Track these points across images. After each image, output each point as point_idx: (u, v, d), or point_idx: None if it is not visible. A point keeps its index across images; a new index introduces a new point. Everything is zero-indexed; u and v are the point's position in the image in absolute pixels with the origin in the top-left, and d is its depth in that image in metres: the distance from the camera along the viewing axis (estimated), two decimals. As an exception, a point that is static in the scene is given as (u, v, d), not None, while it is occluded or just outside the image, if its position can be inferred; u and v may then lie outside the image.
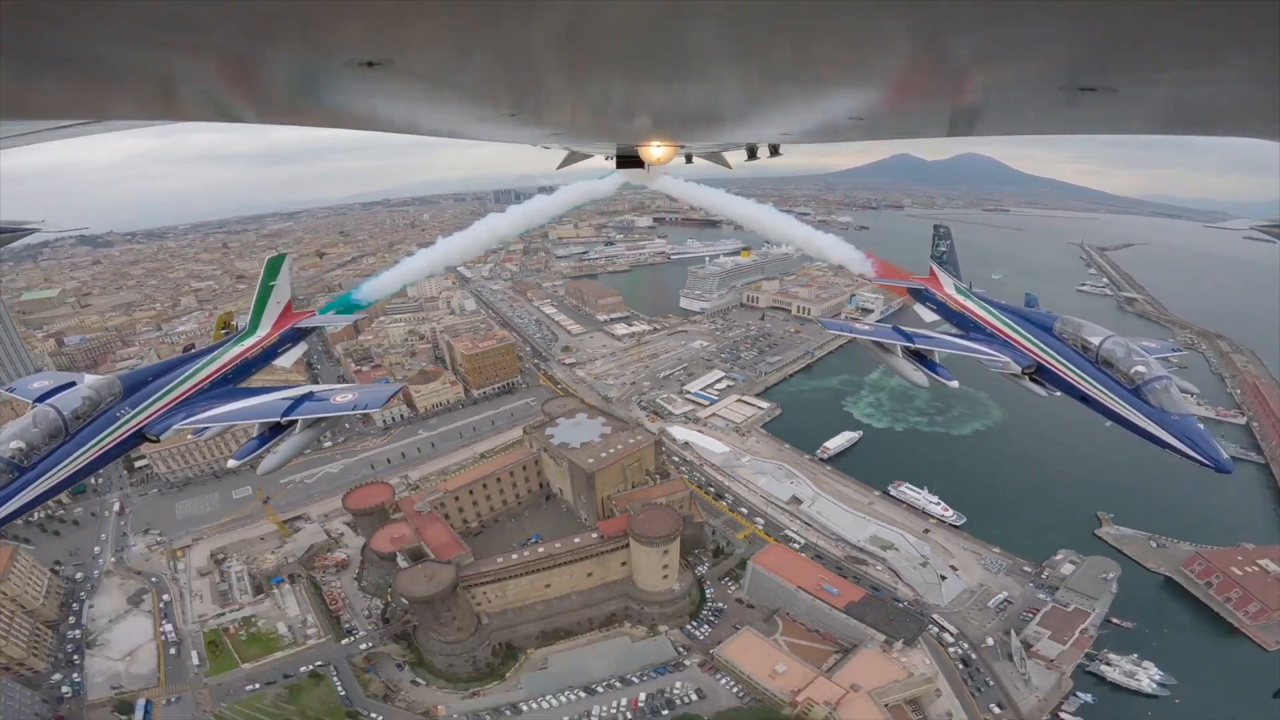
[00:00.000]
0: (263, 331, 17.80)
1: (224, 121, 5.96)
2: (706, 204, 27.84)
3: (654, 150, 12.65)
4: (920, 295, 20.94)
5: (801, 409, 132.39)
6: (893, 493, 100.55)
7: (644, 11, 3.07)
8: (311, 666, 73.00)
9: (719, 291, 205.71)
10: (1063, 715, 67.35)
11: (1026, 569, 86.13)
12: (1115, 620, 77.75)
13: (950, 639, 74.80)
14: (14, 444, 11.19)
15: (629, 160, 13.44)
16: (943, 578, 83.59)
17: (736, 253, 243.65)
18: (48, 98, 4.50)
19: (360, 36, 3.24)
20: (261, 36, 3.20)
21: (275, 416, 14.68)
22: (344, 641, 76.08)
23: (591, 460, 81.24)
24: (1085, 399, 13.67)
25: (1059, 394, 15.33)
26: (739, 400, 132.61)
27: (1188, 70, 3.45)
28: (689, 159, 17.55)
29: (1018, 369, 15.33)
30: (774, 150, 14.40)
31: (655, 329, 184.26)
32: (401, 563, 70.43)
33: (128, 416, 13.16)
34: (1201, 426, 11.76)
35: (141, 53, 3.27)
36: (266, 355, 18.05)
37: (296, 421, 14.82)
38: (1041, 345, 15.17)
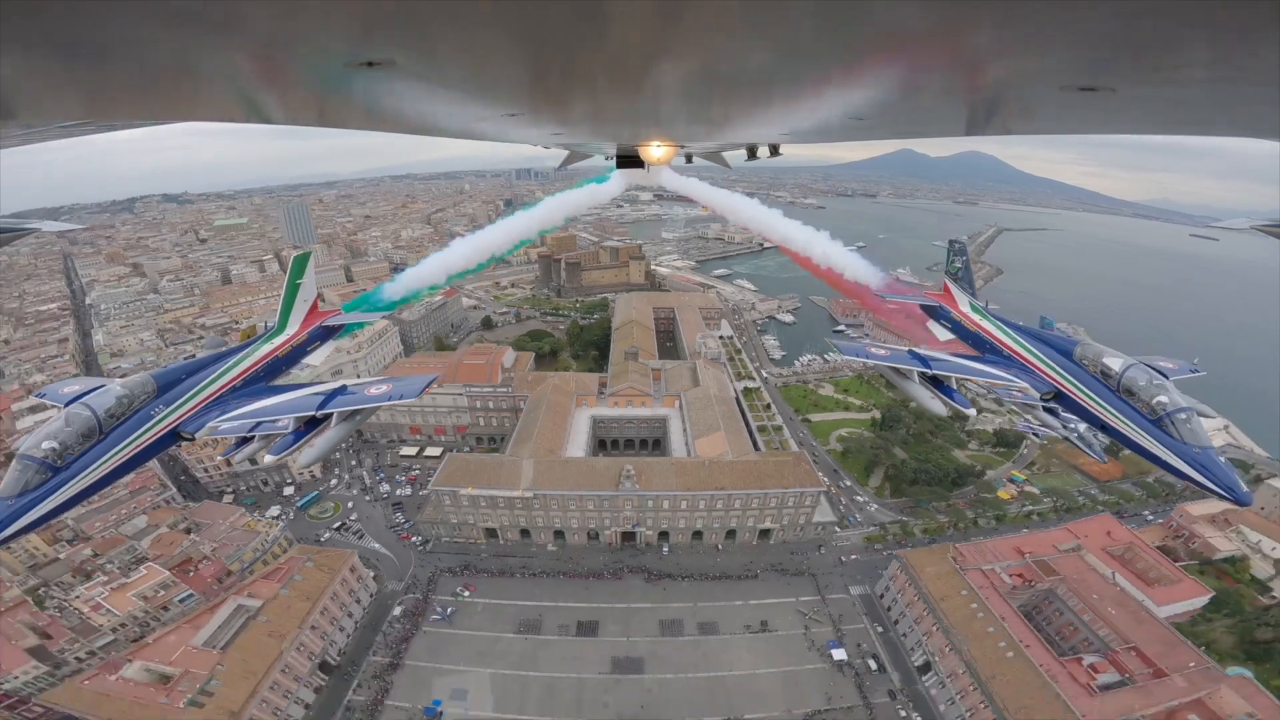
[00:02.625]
0: (291, 329, 18.71)
1: (223, 121, 6.25)
2: (714, 204, 29.07)
3: (654, 150, 13.54)
4: (935, 313, 21.69)
5: (712, 264, 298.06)
6: (733, 283, 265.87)
7: (645, 13, 3.27)
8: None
9: (685, 229, 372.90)
10: (756, 324, 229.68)
11: (776, 300, 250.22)
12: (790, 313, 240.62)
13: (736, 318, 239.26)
14: (46, 444, 11.45)
15: (629, 160, 14.45)
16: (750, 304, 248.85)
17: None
18: (50, 101, 4.72)
19: (361, 36, 3.44)
20: (261, 37, 3.39)
21: (310, 411, 15.39)
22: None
23: (618, 246, 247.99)
24: (1105, 428, 14.11)
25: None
26: (683, 261, 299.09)
27: (1188, 70, 3.57)
28: (689, 158, 19.05)
29: (1036, 395, 15.48)
30: (774, 150, 15.31)
31: (645, 244, 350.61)
32: (565, 261, 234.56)
33: (162, 415, 13.64)
34: (1222, 460, 12.16)
35: (139, 54, 3.51)
36: (296, 353, 18.95)
37: (332, 415, 15.52)
38: (1061, 371, 15.17)
